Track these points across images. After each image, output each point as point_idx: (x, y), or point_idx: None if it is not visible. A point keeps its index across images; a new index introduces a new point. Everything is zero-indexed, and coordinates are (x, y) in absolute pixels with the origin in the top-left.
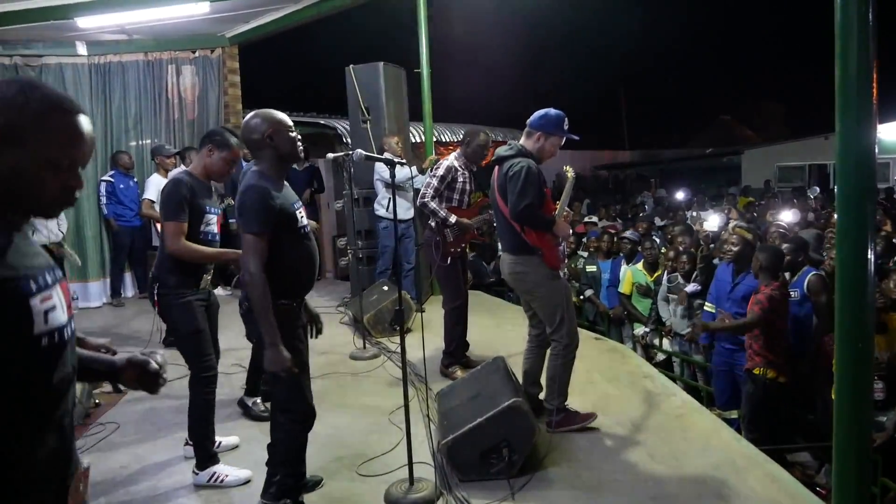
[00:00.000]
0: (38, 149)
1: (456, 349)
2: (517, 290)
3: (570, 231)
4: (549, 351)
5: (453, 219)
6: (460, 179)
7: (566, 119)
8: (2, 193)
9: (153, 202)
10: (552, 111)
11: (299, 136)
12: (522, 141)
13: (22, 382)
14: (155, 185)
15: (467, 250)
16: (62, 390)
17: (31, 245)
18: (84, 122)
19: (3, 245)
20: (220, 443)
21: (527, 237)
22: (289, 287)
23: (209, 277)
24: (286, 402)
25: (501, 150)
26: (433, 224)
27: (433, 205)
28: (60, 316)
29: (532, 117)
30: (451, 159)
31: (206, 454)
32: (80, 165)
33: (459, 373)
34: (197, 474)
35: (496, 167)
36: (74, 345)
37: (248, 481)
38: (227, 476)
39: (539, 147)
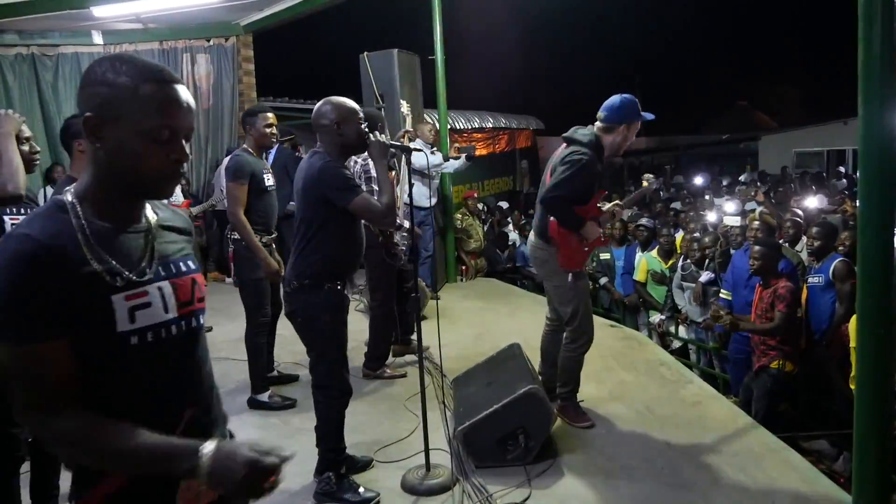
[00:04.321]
0: (135, 121)
1: (387, 351)
2: (539, 273)
3: (599, 233)
4: (563, 350)
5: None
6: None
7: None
8: (110, 175)
9: None
10: (626, 98)
11: (367, 128)
12: (600, 134)
13: (115, 381)
14: None
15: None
16: (168, 387)
17: (132, 238)
18: (181, 90)
19: (95, 237)
20: None
21: (549, 227)
22: (339, 269)
23: None
24: (326, 379)
25: (572, 133)
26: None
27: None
28: (157, 313)
29: (608, 113)
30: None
31: None
32: (181, 137)
33: (388, 370)
34: None
35: (564, 145)
36: (196, 340)
37: None
38: None
39: (621, 139)
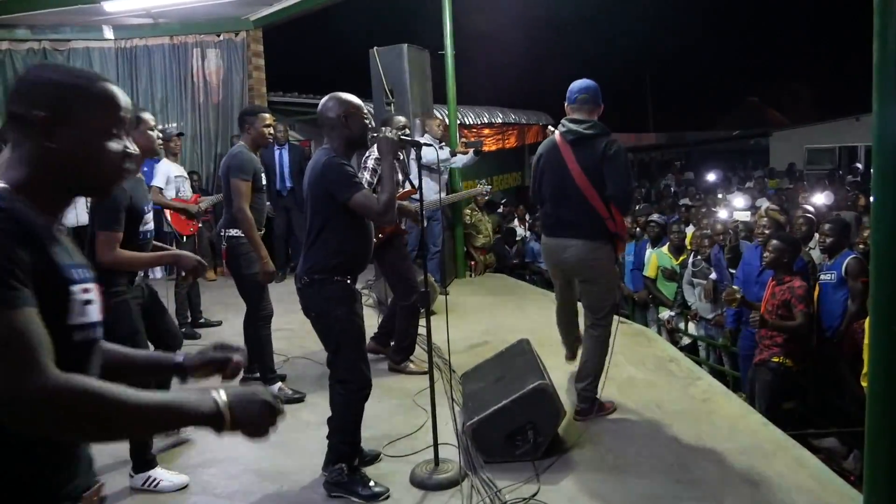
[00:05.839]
0: (90, 121)
1: (412, 344)
2: (583, 277)
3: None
4: (589, 338)
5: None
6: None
7: None
8: (59, 178)
9: (161, 189)
10: (592, 82)
11: (371, 124)
12: (592, 117)
13: None
14: (162, 172)
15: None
16: None
17: (66, 238)
18: (117, 88)
19: (51, 234)
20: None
21: (611, 223)
22: (348, 263)
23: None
24: (345, 373)
25: (581, 129)
26: None
27: None
28: (95, 313)
29: (590, 92)
30: (375, 150)
31: (142, 458)
32: (128, 133)
33: (413, 366)
34: (132, 476)
35: (568, 146)
36: (101, 352)
37: (184, 487)
38: (161, 481)
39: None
